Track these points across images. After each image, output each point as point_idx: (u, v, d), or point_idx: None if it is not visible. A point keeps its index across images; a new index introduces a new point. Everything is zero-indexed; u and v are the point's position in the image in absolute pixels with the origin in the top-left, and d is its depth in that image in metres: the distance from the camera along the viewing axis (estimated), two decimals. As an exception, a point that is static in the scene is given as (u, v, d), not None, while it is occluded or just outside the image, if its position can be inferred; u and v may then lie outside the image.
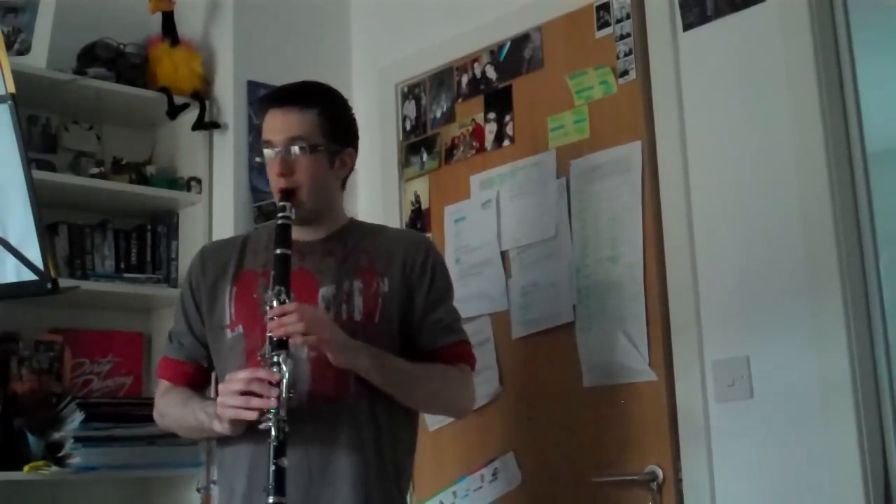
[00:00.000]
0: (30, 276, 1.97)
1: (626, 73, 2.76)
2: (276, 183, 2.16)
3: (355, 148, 2.30)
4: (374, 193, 3.39)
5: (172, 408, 2.23)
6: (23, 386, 3.04)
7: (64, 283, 2.60)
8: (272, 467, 1.91)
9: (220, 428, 2.05)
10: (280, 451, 1.92)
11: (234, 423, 2.02)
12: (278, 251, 2.06)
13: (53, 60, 3.12)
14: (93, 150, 3.33)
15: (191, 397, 2.21)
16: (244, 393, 1.97)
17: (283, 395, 1.94)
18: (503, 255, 2.98)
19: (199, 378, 2.27)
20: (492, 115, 3.10)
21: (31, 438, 2.90)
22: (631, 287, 2.66)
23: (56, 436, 2.91)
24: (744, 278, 2.47)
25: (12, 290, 2.01)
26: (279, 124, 2.16)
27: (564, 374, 2.77)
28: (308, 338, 1.99)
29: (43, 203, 2.01)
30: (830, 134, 2.36)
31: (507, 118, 3.05)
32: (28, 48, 3.08)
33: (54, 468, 2.86)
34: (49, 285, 1.98)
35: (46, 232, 2.11)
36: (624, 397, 2.65)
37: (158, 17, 3.36)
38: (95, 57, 3.26)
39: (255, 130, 3.33)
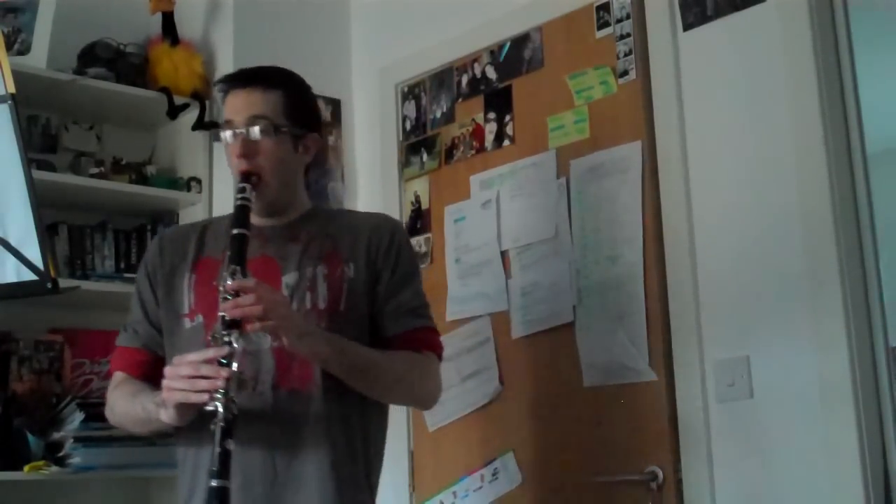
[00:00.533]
0: (30, 276, 1.97)
1: (626, 73, 2.76)
2: (236, 165, 2.06)
3: (320, 133, 2.20)
4: (374, 193, 3.39)
5: (121, 400, 2.10)
6: (23, 386, 3.04)
7: (64, 283, 2.60)
8: (217, 449, 1.80)
9: (166, 416, 1.92)
10: (227, 433, 1.81)
11: (181, 409, 1.89)
12: (235, 231, 1.96)
13: (53, 60, 3.12)
14: (93, 150, 3.33)
15: (142, 389, 2.06)
16: (193, 377, 1.85)
17: (234, 373, 1.83)
18: (503, 255, 2.98)
19: (153, 368, 2.08)
20: (492, 115, 3.10)
21: (31, 438, 2.90)
22: (631, 287, 2.66)
23: (56, 436, 2.91)
24: (744, 278, 2.47)
25: (12, 290, 2.01)
26: (241, 104, 2.07)
27: (564, 374, 2.77)
28: (266, 323, 1.88)
29: (43, 203, 2.01)
30: (830, 134, 2.36)
31: (507, 118, 3.05)
32: (28, 48, 3.08)
33: (54, 468, 2.86)
34: (49, 285, 1.98)
35: (46, 232, 2.11)
36: (624, 397, 2.65)
37: (158, 17, 3.36)
38: (95, 57, 3.26)
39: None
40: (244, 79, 2.11)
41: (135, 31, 3.40)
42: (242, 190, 2.02)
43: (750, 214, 2.48)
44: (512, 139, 3.03)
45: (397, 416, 3.14)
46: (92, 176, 3.18)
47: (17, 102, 2.01)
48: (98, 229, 3.26)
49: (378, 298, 2.09)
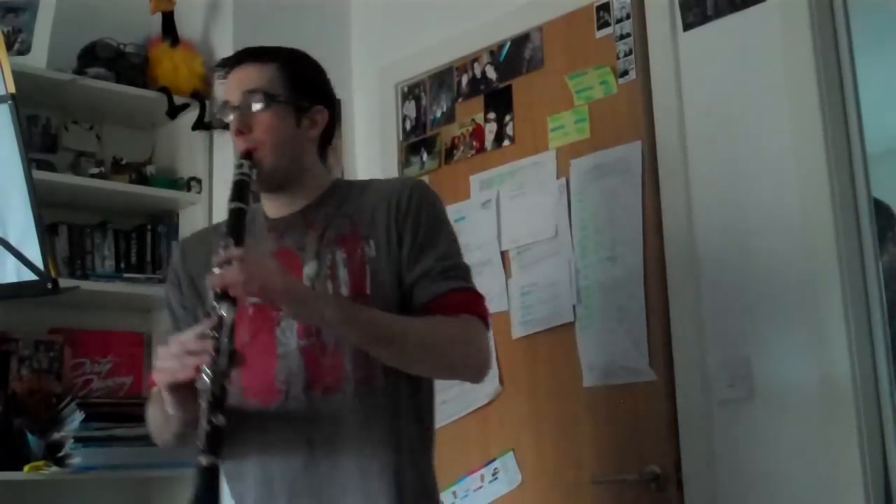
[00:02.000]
0: (30, 276, 1.98)
1: (626, 73, 2.76)
2: (236, 145, 1.95)
3: (330, 108, 2.04)
4: (374, 193, 3.39)
5: (150, 411, 1.99)
6: (23, 386, 3.04)
7: (64, 283, 2.60)
8: (206, 425, 1.65)
9: (168, 405, 1.78)
10: (216, 407, 1.66)
11: (175, 392, 1.74)
12: (231, 205, 1.85)
13: (53, 60, 3.12)
14: (93, 150, 3.33)
15: None
16: (181, 354, 1.73)
17: (224, 344, 1.69)
18: (503, 255, 2.98)
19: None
20: (492, 115, 3.10)
21: (31, 438, 2.90)
22: (631, 287, 2.66)
23: (56, 436, 2.91)
24: (744, 278, 2.47)
25: (12, 290, 2.01)
26: (235, 82, 1.97)
27: (564, 374, 2.77)
28: (251, 286, 1.73)
29: (43, 203, 2.01)
30: (830, 134, 2.36)
31: (507, 118, 3.05)
32: (28, 48, 3.09)
33: (54, 468, 2.86)
34: (49, 285, 1.98)
35: (46, 232, 2.11)
36: (624, 397, 2.65)
37: (158, 17, 3.37)
38: (95, 57, 3.26)
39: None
40: (237, 57, 2.01)
41: (135, 31, 3.40)
42: (240, 166, 1.90)
43: (750, 214, 2.48)
44: (512, 139, 3.03)
45: (397, 416, 3.14)
46: (92, 176, 3.19)
47: (17, 102, 2.01)
48: (98, 229, 3.26)
49: (404, 269, 1.92)
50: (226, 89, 1.99)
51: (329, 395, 1.87)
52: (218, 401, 1.67)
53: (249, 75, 1.96)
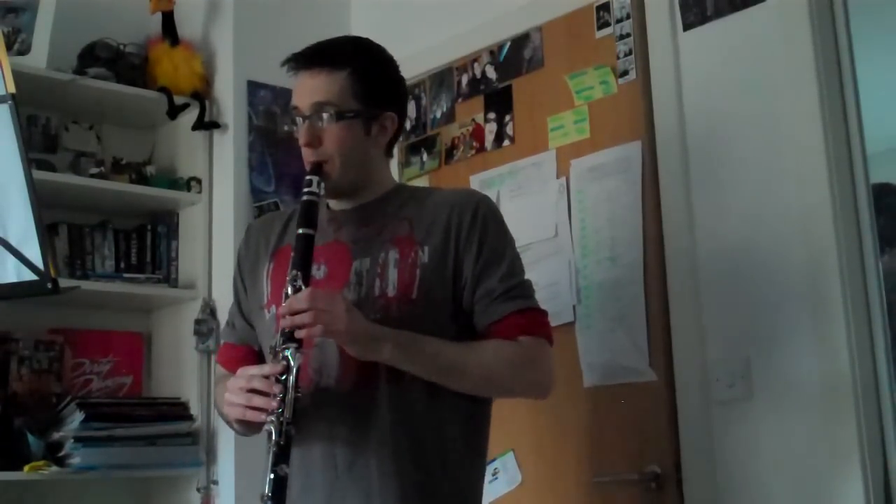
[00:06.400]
0: (30, 276, 1.98)
1: (626, 73, 2.76)
2: (304, 155, 1.94)
3: (399, 111, 2.03)
4: (374, 193, 3.39)
5: (219, 399, 2.00)
6: (23, 386, 3.05)
7: (64, 283, 2.60)
8: (270, 475, 1.72)
9: (238, 430, 1.91)
10: (281, 457, 1.73)
11: (243, 426, 1.87)
12: (300, 231, 1.85)
13: (53, 60, 3.12)
14: (93, 150, 3.33)
15: None
16: (249, 391, 1.79)
17: (290, 393, 1.75)
18: (503, 255, 2.98)
19: (252, 362, 1.99)
20: (492, 115, 3.10)
21: (31, 438, 2.90)
22: (631, 287, 2.66)
23: (56, 436, 2.91)
24: (744, 278, 2.47)
25: (12, 290, 2.01)
26: (305, 89, 1.94)
27: (564, 374, 2.76)
28: (315, 329, 1.76)
29: (43, 203, 2.01)
30: (830, 133, 2.36)
31: (507, 118, 3.05)
32: (28, 48, 3.09)
33: (54, 468, 2.86)
34: (49, 285, 1.98)
35: (46, 232, 2.11)
36: (624, 397, 2.64)
37: (158, 17, 3.37)
38: (95, 57, 3.26)
39: (254, 130, 3.34)
40: (309, 58, 1.95)
41: (135, 31, 3.40)
42: (309, 184, 1.89)
43: (750, 214, 2.48)
44: (512, 139, 3.03)
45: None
46: (92, 176, 3.19)
47: (17, 102, 2.01)
48: (98, 229, 3.26)
49: (466, 288, 1.92)
50: (295, 92, 1.96)
51: (358, 391, 1.87)
52: (283, 451, 1.73)
53: (320, 85, 1.92)
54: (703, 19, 2.60)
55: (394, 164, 3.31)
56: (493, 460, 2.90)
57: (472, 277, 1.92)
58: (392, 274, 1.90)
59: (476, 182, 3.09)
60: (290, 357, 1.77)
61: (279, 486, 1.72)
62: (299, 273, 1.81)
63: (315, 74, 1.93)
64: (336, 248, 1.95)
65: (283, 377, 1.76)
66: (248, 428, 1.89)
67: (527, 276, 2.01)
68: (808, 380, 2.32)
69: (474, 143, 3.14)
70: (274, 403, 1.75)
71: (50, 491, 3.06)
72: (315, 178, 1.89)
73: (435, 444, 1.89)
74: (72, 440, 2.87)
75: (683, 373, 2.53)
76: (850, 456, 2.24)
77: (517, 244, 2.90)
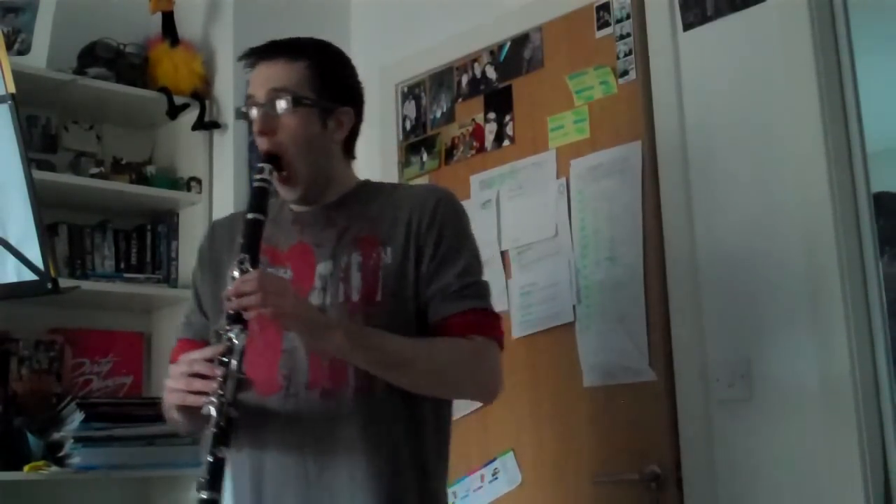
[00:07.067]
0: (30, 276, 1.97)
1: (626, 73, 2.76)
2: (258, 144, 1.91)
3: (356, 108, 2.00)
4: (374, 193, 3.39)
5: (165, 401, 1.94)
6: (23, 386, 3.04)
7: (64, 283, 2.59)
8: (208, 458, 1.67)
9: (179, 421, 1.83)
10: (220, 440, 1.67)
11: (185, 413, 1.79)
12: (249, 216, 1.81)
13: (53, 60, 3.12)
14: (93, 150, 3.33)
15: None
16: (191, 376, 1.73)
17: (233, 372, 1.70)
18: (503, 255, 2.98)
19: None
20: (492, 115, 3.10)
21: (31, 438, 2.90)
22: (631, 287, 2.66)
23: (56, 436, 2.91)
24: (744, 278, 2.47)
25: (12, 290, 2.01)
26: (262, 77, 1.91)
27: (564, 374, 2.77)
28: (263, 311, 1.71)
29: (43, 203, 2.01)
30: (830, 133, 2.36)
31: (507, 118, 3.05)
32: (28, 48, 3.09)
33: (54, 468, 2.86)
34: (49, 285, 1.98)
35: (46, 232, 2.11)
36: (624, 397, 2.65)
37: (158, 17, 3.37)
38: (95, 57, 3.26)
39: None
40: (266, 50, 1.94)
41: (135, 31, 3.40)
42: (260, 171, 1.86)
43: (750, 214, 2.48)
44: (512, 139, 3.03)
45: (397, 416, 3.14)
46: (92, 176, 3.19)
47: (17, 102, 2.00)
48: (98, 229, 3.26)
49: (421, 283, 1.89)
50: (251, 83, 1.93)
51: (327, 397, 1.85)
52: (223, 433, 1.68)
53: (277, 72, 1.90)
54: (703, 19, 2.60)
55: (394, 164, 3.35)
56: (493, 460, 2.90)
57: (427, 273, 1.89)
58: (355, 278, 1.88)
59: (476, 182, 3.09)
60: (233, 338, 1.72)
61: (217, 470, 1.67)
62: (247, 257, 1.77)
63: (272, 64, 1.91)
64: (301, 250, 1.93)
65: (227, 359, 1.71)
66: (190, 419, 1.81)
67: (484, 278, 1.98)
68: (808, 380, 2.32)
69: (474, 143, 3.14)
70: (214, 385, 1.69)
71: (50, 491, 3.06)
72: (267, 166, 1.86)
73: (406, 450, 1.87)
74: (72, 440, 2.87)
75: (683, 373, 2.53)
76: (850, 456, 2.24)
77: (517, 244, 2.96)
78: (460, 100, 3.21)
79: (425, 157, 3.28)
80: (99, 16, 3.35)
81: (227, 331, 1.73)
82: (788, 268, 2.39)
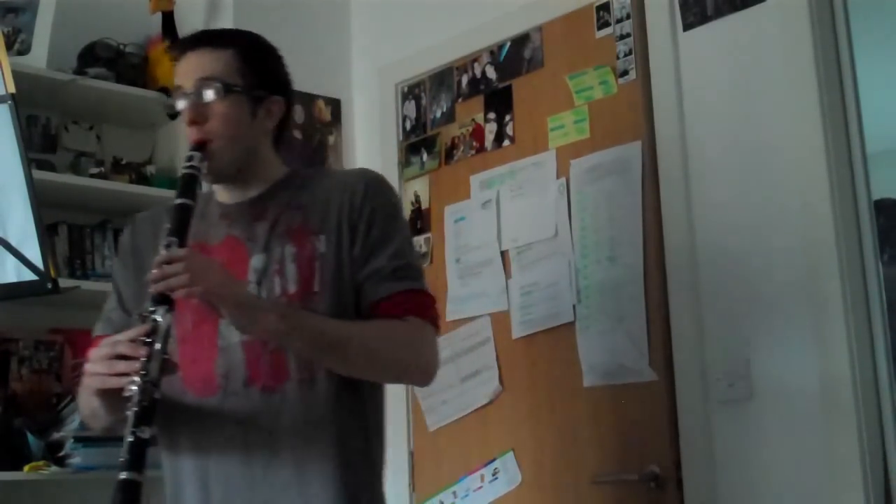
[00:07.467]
0: (30, 276, 1.97)
1: (626, 73, 2.76)
2: (187, 134, 1.86)
3: (286, 99, 1.96)
4: (374, 193, 3.39)
5: (82, 398, 1.87)
6: (23, 386, 3.04)
7: (64, 283, 2.60)
8: (129, 438, 1.60)
9: (100, 409, 1.75)
10: (142, 419, 1.60)
11: (105, 397, 1.70)
12: (177, 201, 1.76)
13: (53, 60, 3.12)
14: (93, 150, 3.33)
15: None
16: (113, 358, 1.66)
17: (157, 353, 1.62)
18: (503, 255, 2.98)
19: None
20: (492, 115, 3.10)
21: (31, 438, 2.90)
22: (631, 287, 2.66)
23: (56, 436, 2.91)
24: (744, 278, 2.47)
25: (12, 290, 2.01)
26: (190, 67, 1.87)
27: (564, 374, 2.77)
28: (193, 289, 1.65)
29: (43, 203, 2.01)
30: (830, 134, 2.36)
31: (507, 118, 3.05)
32: (28, 48, 3.09)
33: (54, 468, 2.86)
34: (49, 285, 1.98)
35: (46, 232, 2.11)
36: (624, 397, 2.65)
37: (158, 17, 3.37)
38: (95, 57, 3.26)
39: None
40: (193, 40, 1.91)
41: (135, 31, 3.40)
42: (190, 158, 1.81)
43: (750, 214, 2.48)
44: (512, 139, 3.03)
45: (397, 416, 3.15)
46: (92, 176, 3.19)
47: (17, 102, 2.01)
48: (98, 229, 3.26)
49: (355, 267, 1.85)
50: (178, 74, 1.90)
51: (269, 393, 1.81)
52: (145, 412, 1.61)
53: (205, 61, 1.87)
54: (703, 19, 2.60)
55: (394, 164, 3.34)
56: (493, 460, 2.90)
57: (360, 257, 1.85)
58: (291, 269, 1.84)
59: (476, 182, 3.09)
60: (158, 318, 1.65)
61: (139, 449, 1.62)
62: (175, 240, 1.71)
63: (200, 54, 1.88)
64: (232, 245, 1.88)
65: (151, 339, 1.64)
66: (110, 407, 1.73)
67: (417, 261, 1.93)
68: (807, 380, 2.32)
69: (474, 143, 3.14)
70: (137, 365, 1.62)
71: (50, 491, 3.06)
72: (197, 154, 1.82)
73: (351, 440, 1.84)
74: (72, 440, 2.87)
75: (683, 373, 2.53)
76: (850, 456, 2.24)
77: (517, 244, 2.96)
78: (460, 100, 3.21)
79: (425, 157, 3.28)
80: (99, 16, 3.35)
81: (152, 312, 1.65)
82: (788, 267, 2.39)
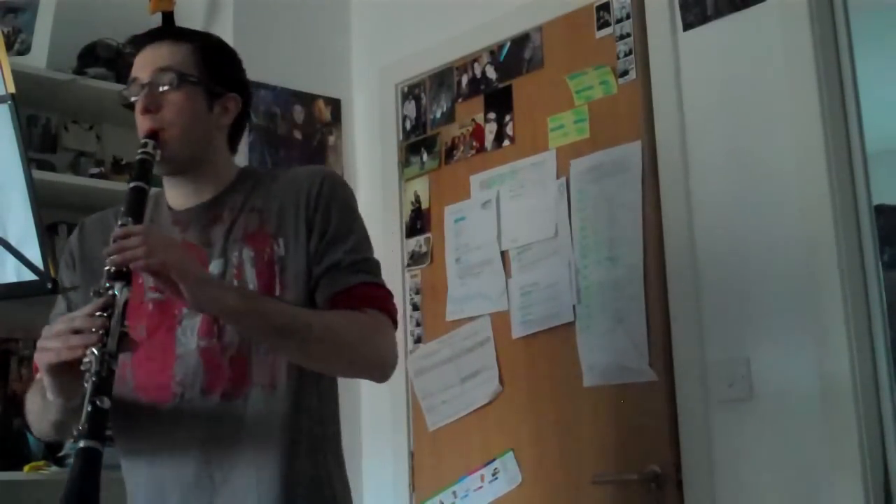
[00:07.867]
0: (30, 276, 1.97)
1: (626, 73, 2.76)
2: (140, 124, 1.82)
3: (243, 97, 1.94)
4: (375, 193, 3.39)
5: (30, 398, 1.86)
6: (23, 386, 3.04)
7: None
8: (88, 407, 1.53)
9: (49, 389, 1.66)
10: (101, 389, 1.53)
11: (56, 374, 1.62)
12: (132, 184, 1.73)
13: (53, 60, 3.12)
14: (93, 150, 3.33)
15: None
16: (66, 334, 1.60)
17: (113, 324, 1.57)
18: (503, 255, 2.98)
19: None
20: (492, 115, 3.10)
21: (31, 438, 2.90)
22: (631, 287, 2.66)
23: (56, 436, 2.91)
24: (744, 278, 2.47)
25: (12, 290, 2.00)
26: (147, 59, 1.85)
27: (564, 374, 2.77)
28: (150, 261, 1.61)
29: (43, 203, 2.00)
30: (830, 134, 2.36)
31: (507, 118, 3.05)
32: (28, 48, 3.08)
33: (54, 468, 2.86)
34: (49, 285, 1.97)
35: (46, 232, 2.10)
36: (624, 397, 2.65)
37: (158, 17, 3.36)
38: (95, 57, 3.26)
39: (254, 130, 3.33)
40: (152, 34, 1.91)
41: (135, 31, 3.32)
42: (144, 146, 1.78)
43: (750, 214, 2.48)
44: (512, 139, 3.03)
45: (397, 416, 3.15)
46: (92, 176, 3.18)
47: (17, 102, 2.00)
48: (98, 229, 3.26)
49: (312, 262, 1.82)
50: (134, 67, 1.88)
51: (227, 401, 1.78)
52: (104, 382, 1.55)
53: (162, 53, 1.85)
54: (703, 19, 2.60)
55: (394, 164, 3.35)
56: (493, 460, 2.90)
57: (317, 252, 1.82)
58: (250, 273, 1.82)
59: (476, 182, 3.09)
60: (115, 293, 1.60)
61: (98, 417, 1.56)
62: (130, 220, 1.68)
63: (158, 46, 1.87)
64: (188, 251, 1.81)
65: (108, 314, 1.59)
66: (62, 387, 1.64)
67: (375, 257, 1.91)
68: (807, 380, 2.33)
69: (474, 143, 3.14)
70: (94, 338, 1.56)
71: (50, 491, 3.06)
72: (151, 141, 1.79)
73: (313, 442, 1.82)
74: (72, 440, 2.87)
75: (683, 373, 2.53)
76: (850, 456, 2.24)
77: (517, 244, 2.96)
78: (460, 100, 3.21)
79: (425, 157, 3.28)
80: (99, 16, 3.34)
81: (109, 287, 1.61)
82: (788, 267, 2.39)
